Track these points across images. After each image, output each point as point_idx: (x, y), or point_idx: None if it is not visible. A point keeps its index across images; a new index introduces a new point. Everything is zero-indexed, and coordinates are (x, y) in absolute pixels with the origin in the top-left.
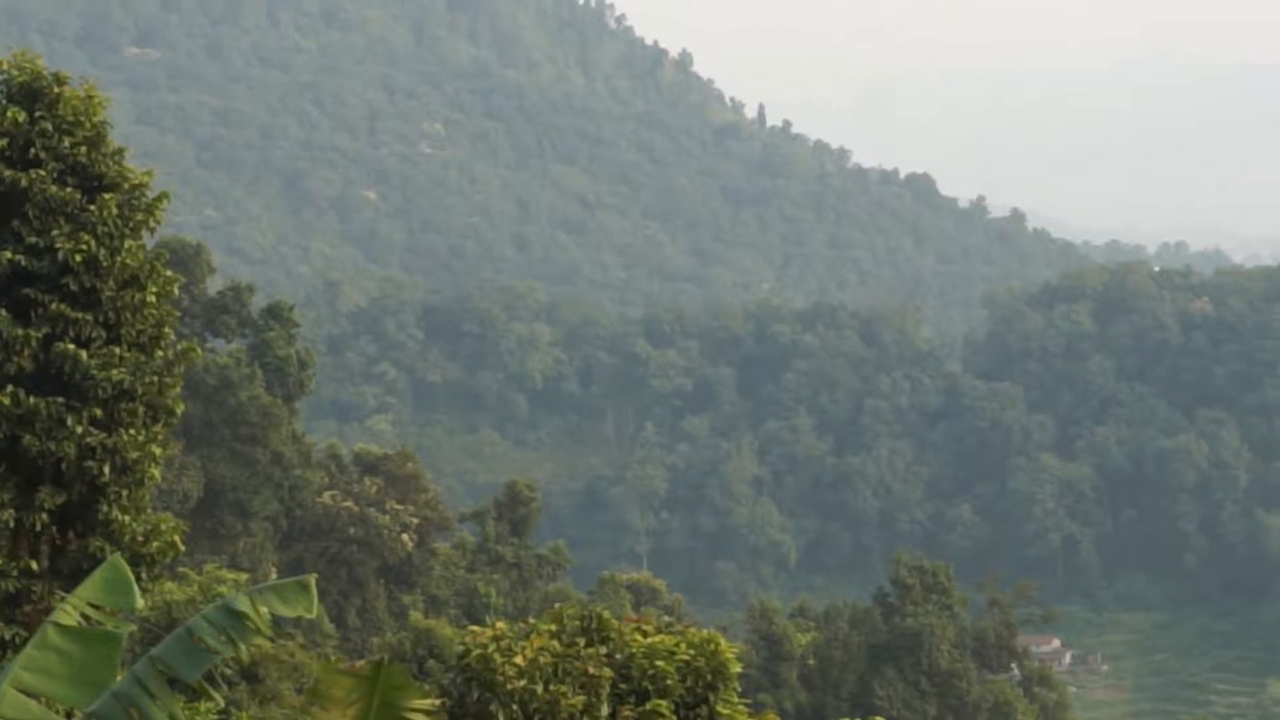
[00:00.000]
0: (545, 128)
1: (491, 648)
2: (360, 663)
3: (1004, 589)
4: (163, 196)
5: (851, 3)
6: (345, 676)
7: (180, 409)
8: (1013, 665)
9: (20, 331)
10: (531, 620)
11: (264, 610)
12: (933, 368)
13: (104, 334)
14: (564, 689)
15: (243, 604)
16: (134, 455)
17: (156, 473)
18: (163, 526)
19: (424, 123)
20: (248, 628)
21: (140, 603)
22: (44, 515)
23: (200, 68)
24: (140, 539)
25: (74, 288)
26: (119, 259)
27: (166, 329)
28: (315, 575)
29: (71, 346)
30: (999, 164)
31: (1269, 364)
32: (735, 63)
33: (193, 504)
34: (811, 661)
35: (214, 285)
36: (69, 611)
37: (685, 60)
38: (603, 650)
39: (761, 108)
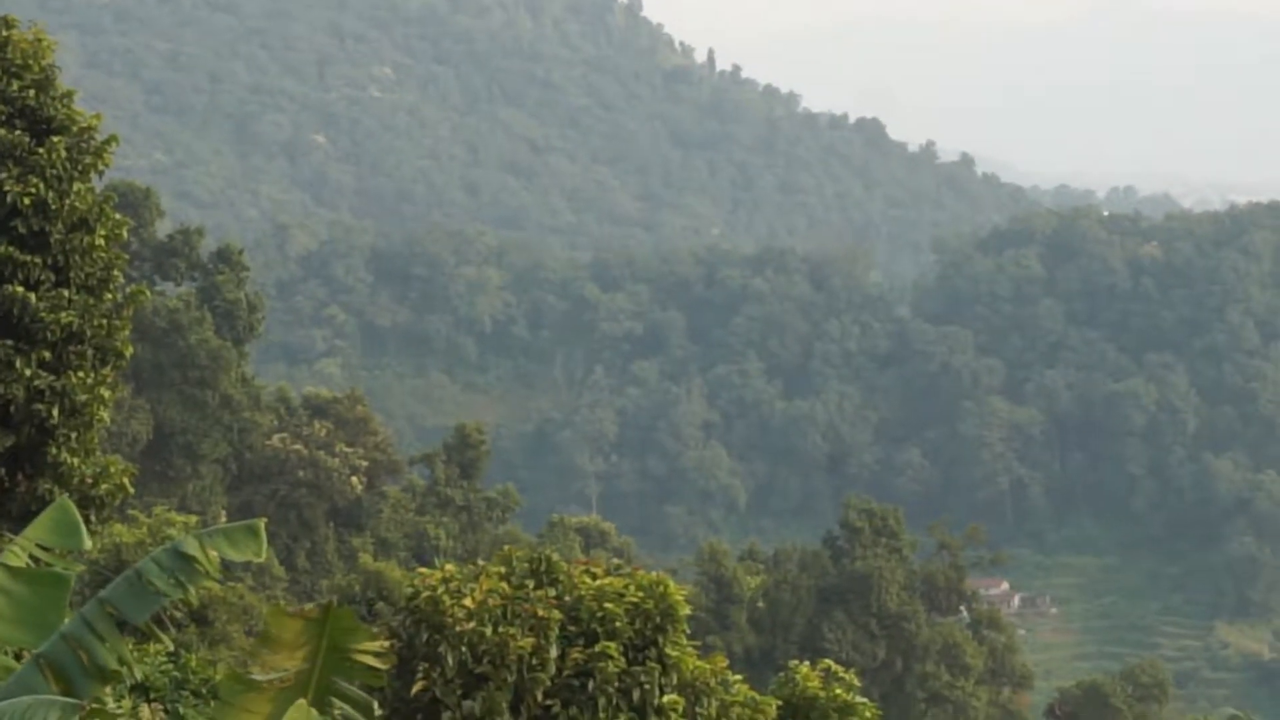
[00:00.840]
0: (494, 72)
1: (440, 590)
2: (309, 606)
3: (953, 532)
4: (111, 140)
5: None
6: (294, 620)
7: (129, 352)
8: (961, 608)
9: None
10: (480, 563)
11: (213, 554)
12: (882, 312)
13: (53, 277)
14: (513, 631)
15: (191, 547)
16: (83, 398)
17: (105, 415)
18: (112, 469)
19: (373, 67)
20: (196, 570)
21: (88, 544)
22: None
23: (149, 11)
24: (89, 481)
25: (23, 230)
26: (68, 202)
27: (115, 272)
28: (264, 519)
29: (20, 289)
30: (949, 108)
31: (1217, 308)
32: (685, 6)
33: (142, 446)
34: (761, 604)
35: (163, 229)
36: (17, 553)
37: (635, 5)
38: (552, 593)
39: (711, 52)
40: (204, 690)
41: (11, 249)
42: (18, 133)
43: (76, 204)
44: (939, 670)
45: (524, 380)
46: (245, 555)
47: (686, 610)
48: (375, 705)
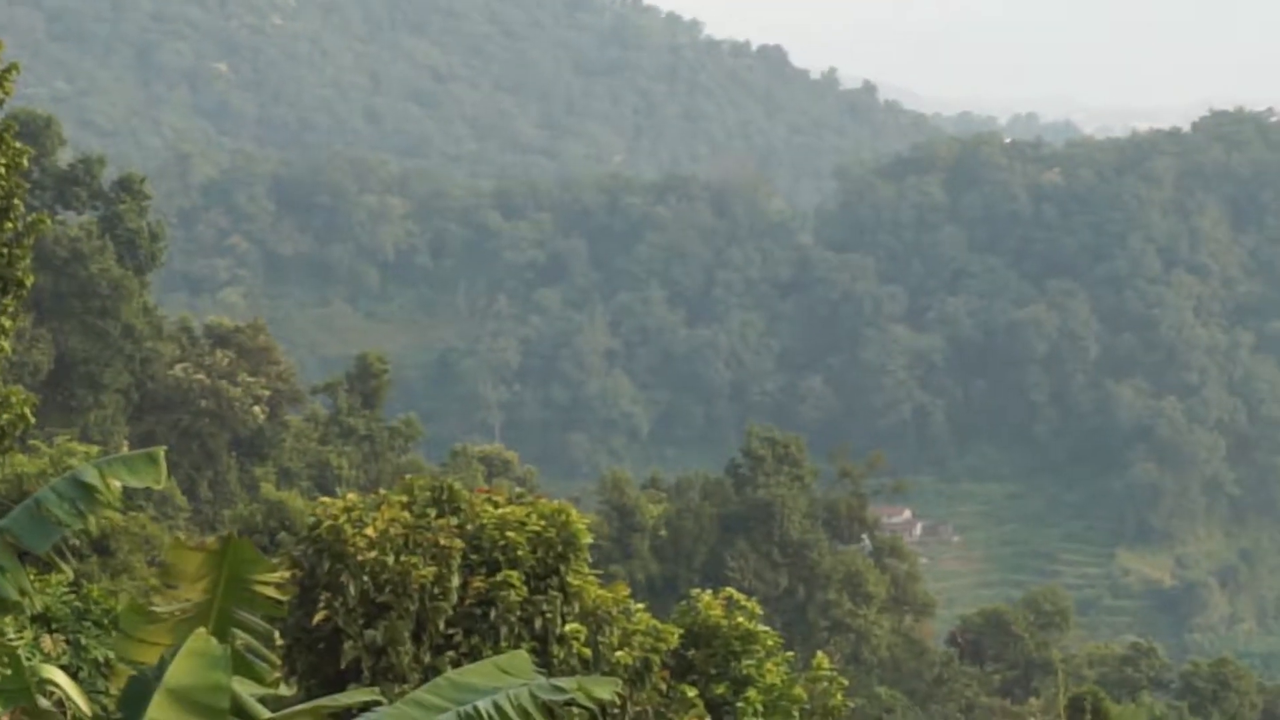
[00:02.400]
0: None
1: (342, 519)
2: (210, 539)
3: (855, 460)
4: (12, 68)
5: None
6: (195, 553)
7: (30, 281)
8: (864, 536)
9: None
10: (382, 492)
11: (113, 482)
12: (784, 239)
13: None
14: (415, 560)
15: (91, 476)
16: None
17: (6, 345)
18: (13, 399)
19: None
20: (96, 499)
21: None
22: None
23: None
24: None
25: None
26: None
27: (16, 201)
28: (164, 447)
29: None
30: (849, 34)
31: (1118, 235)
32: None
33: (43, 377)
34: (663, 533)
35: (65, 157)
36: None
37: None
38: (454, 521)
39: None
40: (106, 621)
41: None
42: None
43: None
44: (841, 598)
45: (426, 309)
46: (145, 481)
47: (588, 539)
48: (276, 635)
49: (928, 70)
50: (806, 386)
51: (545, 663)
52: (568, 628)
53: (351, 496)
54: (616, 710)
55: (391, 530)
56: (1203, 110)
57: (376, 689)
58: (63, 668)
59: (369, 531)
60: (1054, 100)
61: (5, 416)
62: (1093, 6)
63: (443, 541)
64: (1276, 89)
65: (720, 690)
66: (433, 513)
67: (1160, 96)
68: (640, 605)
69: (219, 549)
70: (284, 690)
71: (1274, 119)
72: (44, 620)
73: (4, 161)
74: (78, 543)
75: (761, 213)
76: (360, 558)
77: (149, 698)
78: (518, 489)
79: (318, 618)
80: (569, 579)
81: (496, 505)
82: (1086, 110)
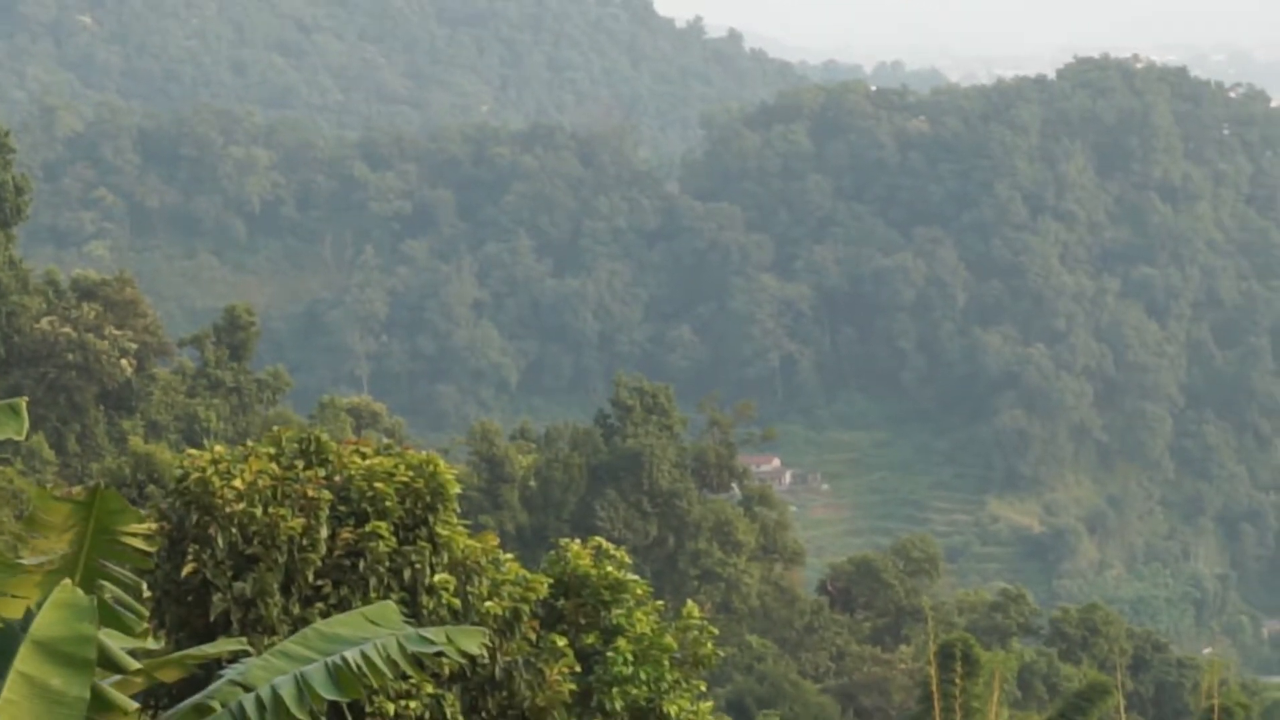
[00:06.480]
0: None
1: (210, 471)
2: (77, 489)
3: (724, 409)
4: None
5: None
6: (62, 504)
7: None
8: (733, 485)
9: None
10: (250, 443)
11: None
12: (650, 188)
13: None
14: (283, 512)
15: None
16: None
17: None
18: None
19: None
20: None
21: None
22: None
23: None
24: None
25: None
26: None
27: None
28: (25, 399)
29: None
30: None
31: (985, 183)
32: None
33: None
34: (532, 483)
35: None
36: None
37: None
38: (321, 473)
39: None
40: None
41: None
42: None
43: None
44: (711, 547)
45: (293, 260)
46: (6, 434)
47: (457, 489)
48: (144, 587)
49: (792, 18)
50: (674, 336)
51: (415, 613)
52: (437, 578)
53: (219, 448)
54: (486, 660)
55: (259, 482)
56: (1068, 57)
57: (245, 640)
58: None
59: (237, 484)
60: (919, 48)
61: None
62: None
63: (311, 493)
64: (1140, 36)
65: (590, 640)
66: (300, 464)
67: (1025, 44)
68: (509, 555)
69: (86, 500)
70: (152, 643)
71: (1139, 65)
72: None
73: None
74: None
75: (628, 162)
76: (228, 510)
77: (16, 650)
78: (386, 440)
79: (186, 570)
80: (438, 530)
81: (364, 456)
82: (952, 58)
